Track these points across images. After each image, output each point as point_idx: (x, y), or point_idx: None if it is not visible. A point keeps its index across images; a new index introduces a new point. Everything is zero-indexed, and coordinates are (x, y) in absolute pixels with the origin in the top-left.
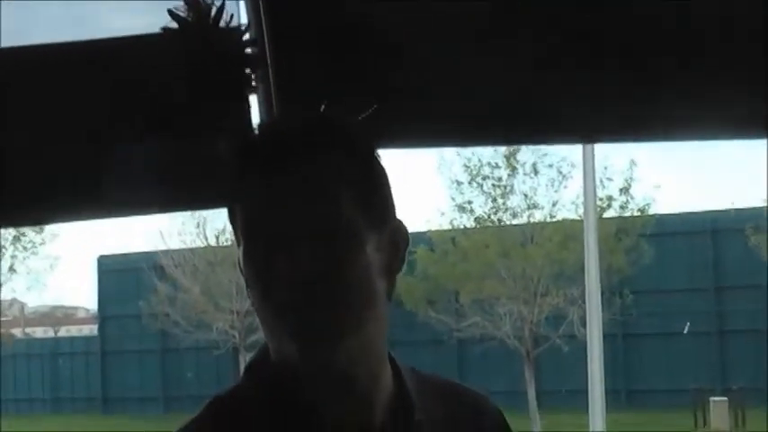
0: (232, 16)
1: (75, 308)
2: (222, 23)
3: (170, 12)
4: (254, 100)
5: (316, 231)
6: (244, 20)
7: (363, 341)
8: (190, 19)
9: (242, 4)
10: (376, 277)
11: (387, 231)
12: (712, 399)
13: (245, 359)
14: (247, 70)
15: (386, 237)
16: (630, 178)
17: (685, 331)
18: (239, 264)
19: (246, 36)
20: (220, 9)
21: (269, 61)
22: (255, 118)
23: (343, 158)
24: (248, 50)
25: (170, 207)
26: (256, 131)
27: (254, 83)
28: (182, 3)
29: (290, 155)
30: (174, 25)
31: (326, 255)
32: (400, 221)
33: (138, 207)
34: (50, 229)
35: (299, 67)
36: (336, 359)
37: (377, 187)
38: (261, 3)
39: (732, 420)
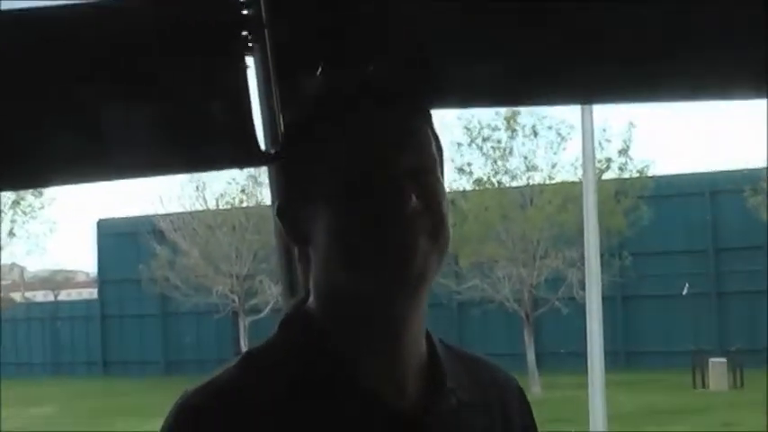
0: None
1: (75, 272)
2: None
3: None
4: (250, 62)
5: (416, 168)
6: None
7: (426, 292)
8: None
9: None
10: (450, 226)
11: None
12: (711, 360)
13: (244, 323)
14: (244, 32)
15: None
16: (629, 140)
17: (684, 293)
18: (283, 213)
19: None
20: None
21: (265, 23)
22: (252, 80)
23: (422, 109)
24: (245, 12)
25: (169, 169)
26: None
27: (251, 44)
28: None
29: (383, 102)
30: None
31: (428, 192)
32: None
33: (137, 169)
34: (49, 192)
35: (295, 30)
36: (410, 302)
37: (439, 140)
38: None
39: (730, 381)
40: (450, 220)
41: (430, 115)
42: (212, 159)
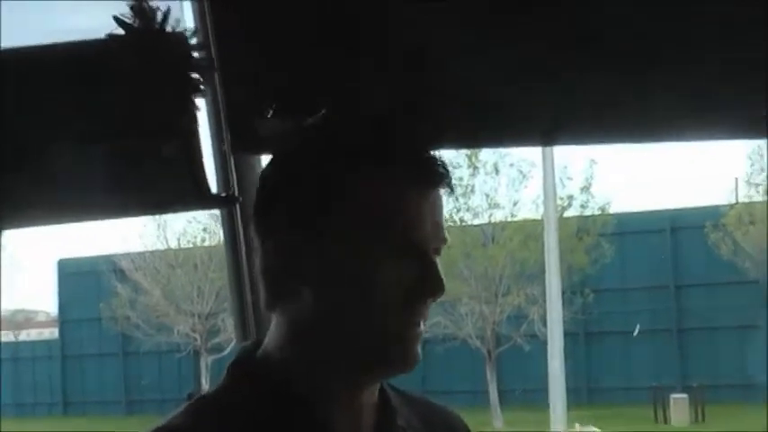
0: (178, 21)
1: (36, 311)
2: (168, 28)
3: (116, 18)
4: (202, 104)
5: (443, 243)
6: (189, 24)
7: None
8: (136, 25)
9: (187, 7)
10: None
11: None
12: (672, 395)
13: (206, 362)
14: (195, 74)
15: None
16: (590, 177)
17: (635, 333)
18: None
19: (193, 41)
20: (166, 15)
21: (216, 65)
22: (203, 122)
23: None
24: (195, 55)
25: (121, 212)
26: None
27: (202, 87)
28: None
29: (438, 168)
30: (121, 32)
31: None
32: None
33: (89, 212)
34: (9, 233)
35: (245, 70)
36: None
37: None
38: (206, 7)
39: (692, 416)
40: None
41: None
42: (165, 202)
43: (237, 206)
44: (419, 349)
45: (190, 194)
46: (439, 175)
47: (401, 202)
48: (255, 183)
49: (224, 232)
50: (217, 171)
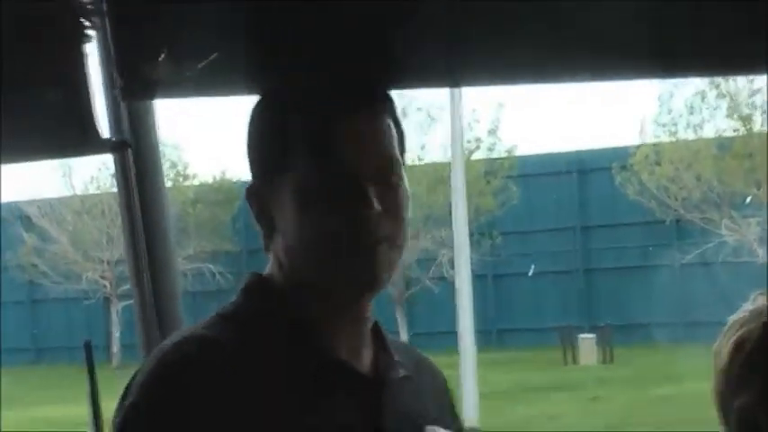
0: None
1: None
2: None
3: None
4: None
5: (381, 169)
6: None
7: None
8: None
9: None
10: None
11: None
12: (580, 336)
13: (116, 309)
14: (83, 18)
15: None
16: (497, 119)
17: (530, 274)
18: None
19: None
20: None
21: (105, 8)
22: (93, 69)
23: (390, 111)
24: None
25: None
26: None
27: (91, 31)
28: None
29: (355, 104)
30: None
31: (390, 190)
32: None
33: None
34: None
35: (135, 13)
36: (369, 299)
37: (403, 134)
38: None
39: (600, 356)
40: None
41: (393, 107)
42: (55, 147)
43: (130, 151)
44: (380, 265)
45: (80, 140)
46: (359, 101)
47: (328, 131)
48: (148, 127)
49: (117, 178)
50: (108, 117)
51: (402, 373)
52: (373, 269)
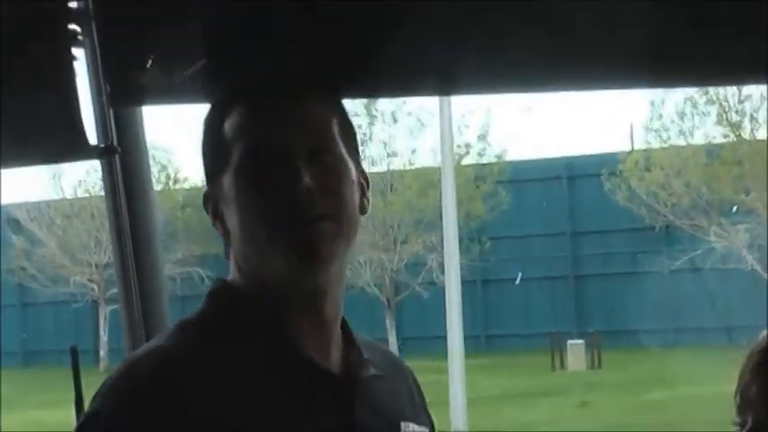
0: None
1: None
2: None
3: None
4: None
5: (312, 147)
6: None
7: (340, 268)
8: None
9: None
10: (356, 205)
11: (359, 168)
12: (569, 341)
13: (105, 312)
14: (72, 25)
15: (358, 173)
16: (487, 125)
17: (517, 282)
18: (208, 199)
19: None
20: None
21: (93, 15)
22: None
23: (328, 96)
24: (73, 5)
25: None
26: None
27: (79, 37)
28: None
29: (289, 93)
30: None
31: (324, 168)
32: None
33: None
34: None
35: (123, 20)
36: (322, 279)
37: (351, 126)
38: None
39: (588, 362)
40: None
41: (337, 102)
42: (41, 153)
43: (117, 157)
44: (320, 238)
45: (67, 146)
46: (293, 90)
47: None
48: (135, 133)
49: (104, 183)
50: (96, 122)
51: (373, 371)
52: (312, 242)
